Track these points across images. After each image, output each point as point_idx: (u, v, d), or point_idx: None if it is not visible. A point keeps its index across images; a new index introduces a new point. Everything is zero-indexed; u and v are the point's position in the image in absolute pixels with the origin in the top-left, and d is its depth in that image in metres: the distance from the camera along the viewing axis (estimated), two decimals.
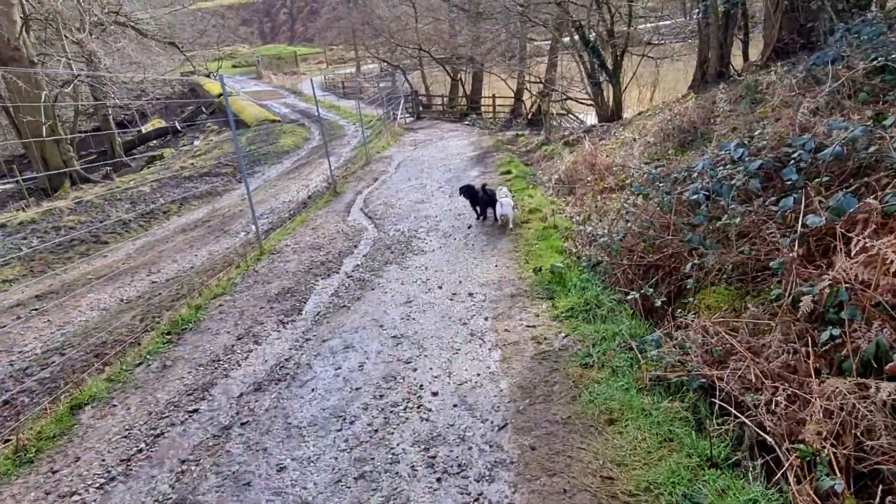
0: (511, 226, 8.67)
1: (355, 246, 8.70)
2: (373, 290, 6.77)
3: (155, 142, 34.60)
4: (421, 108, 30.47)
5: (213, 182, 17.36)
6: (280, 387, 4.73)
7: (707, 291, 4.85)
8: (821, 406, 3.08)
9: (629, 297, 5.21)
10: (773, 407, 3.25)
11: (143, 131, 34.77)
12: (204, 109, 36.92)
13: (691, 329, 4.16)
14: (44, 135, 21.48)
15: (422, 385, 4.56)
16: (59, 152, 22.96)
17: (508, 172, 12.66)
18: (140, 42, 27.66)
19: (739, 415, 3.30)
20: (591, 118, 23.00)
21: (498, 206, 8.79)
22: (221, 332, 5.99)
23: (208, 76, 40.16)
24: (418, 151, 18.00)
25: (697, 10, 16.15)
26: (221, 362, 5.27)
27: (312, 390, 4.62)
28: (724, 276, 4.70)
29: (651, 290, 5.06)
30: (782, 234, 4.25)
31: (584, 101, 22.61)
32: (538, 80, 25.61)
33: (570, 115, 22.38)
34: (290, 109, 33.63)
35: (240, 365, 5.21)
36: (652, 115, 14.69)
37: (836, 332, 3.44)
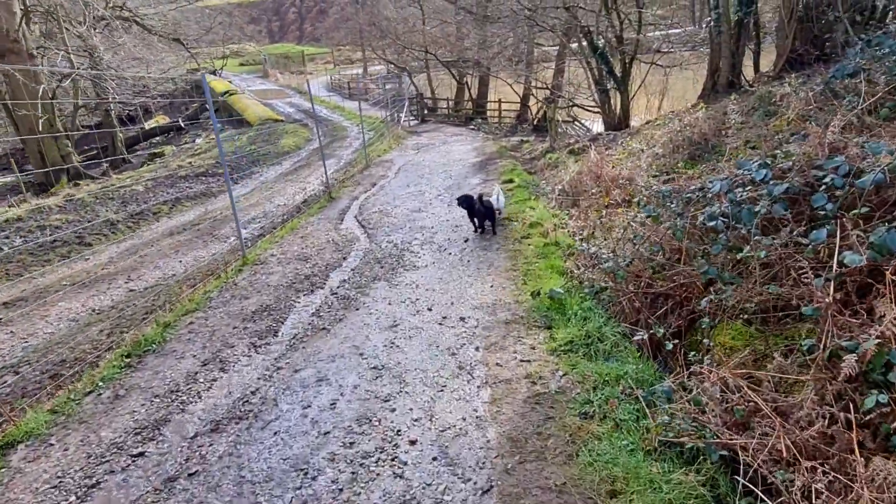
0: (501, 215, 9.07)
1: (344, 258, 8.15)
2: (357, 310, 6.22)
3: (158, 138, 34.24)
4: (426, 111, 29.93)
5: (208, 182, 16.85)
6: (240, 427, 4.17)
7: (722, 326, 4.29)
8: (869, 500, 2.51)
9: (636, 338, 4.61)
10: (808, 493, 2.68)
11: (147, 128, 34.42)
12: (208, 107, 36.45)
13: (707, 379, 3.59)
14: (41, 129, 21.05)
15: (399, 430, 4.00)
16: (57, 147, 22.53)
17: (511, 181, 12.09)
18: (142, 38, 27.23)
19: (768, 501, 2.73)
20: (597, 126, 22.43)
21: (492, 198, 9.08)
22: (187, 355, 5.44)
23: (213, 74, 39.74)
24: (420, 156, 17.46)
25: (709, 19, 15.57)
26: (180, 393, 4.72)
27: (275, 434, 4.06)
28: (745, 313, 4.13)
29: (661, 329, 4.46)
30: (815, 273, 3.68)
31: (590, 109, 22.04)
32: (545, 86, 25.05)
33: (576, 123, 21.81)
34: (294, 109, 33.14)
35: (200, 397, 4.65)
36: (661, 125, 14.12)
37: (884, 398, 2.87)
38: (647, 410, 3.61)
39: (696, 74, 22.10)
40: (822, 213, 3.96)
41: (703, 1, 29.84)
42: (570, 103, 21.34)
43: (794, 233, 4.07)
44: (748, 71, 16.19)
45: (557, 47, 25.31)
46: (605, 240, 7.79)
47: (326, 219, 10.63)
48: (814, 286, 3.53)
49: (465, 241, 8.36)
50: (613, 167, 11.45)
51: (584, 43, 20.23)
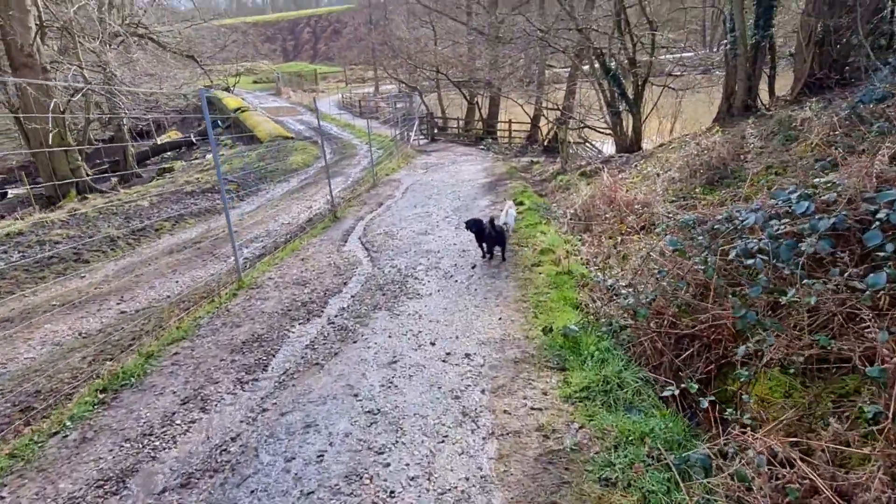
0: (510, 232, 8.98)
1: (345, 283, 7.68)
2: (354, 343, 5.73)
3: (170, 153, 34.22)
4: (436, 131, 29.67)
5: (214, 199, 16.53)
6: (213, 482, 3.67)
7: (759, 375, 3.77)
8: None
9: (665, 393, 4.07)
10: None
11: (159, 143, 34.42)
12: (220, 123, 36.51)
13: (751, 447, 3.06)
14: (51, 143, 20.93)
15: (393, 492, 3.49)
16: (67, 161, 22.40)
17: (521, 204, 11.63)
18: (155, 54, 27.26)
19: None
20: (608, 147, 22.01)
21: (503, 214, 9.05)
22: (167, 391, 4.96)
23: (226, 90, 39.83)
24: (429, 175, 17.07)
25: (725, 42, 15.19)
26: (154, 437, 4.23)
27: (252, 492, 3.55)
28: (791, 366, 3.61)
29: (693, 384, 3.92)
30: (876, 325, 3.16)
31: (601, 130, 21.64)
32: (555, 107, 24.72)
33: (587, 144, 21.38)
34: (304, 126, 33.01)
35: (175, 442, 4.16)
36: (677, 148, 13.65)
37: None
38: (681, 483, 3.07)
39: (709, 97, 21.70)
40: (882, 254, 3.46)
41: (715, 24, 29.58)
42: (582, 124, 20.94)
43: (847, 275, 3.56)
44: (763, 94, 15.75)
45: (569, 69, 25.03)
46: (620, 270, 7.29)
47: (329, 240, 10.19)
48: (877, 341, 3.01)
49: (473, 268, 7.88)
50: (627, 191, 10.98)
51: (597, 65, 19.91)
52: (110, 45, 25.27)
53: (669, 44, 22.40)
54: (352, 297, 7.11)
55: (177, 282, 9.55)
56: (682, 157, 11.52)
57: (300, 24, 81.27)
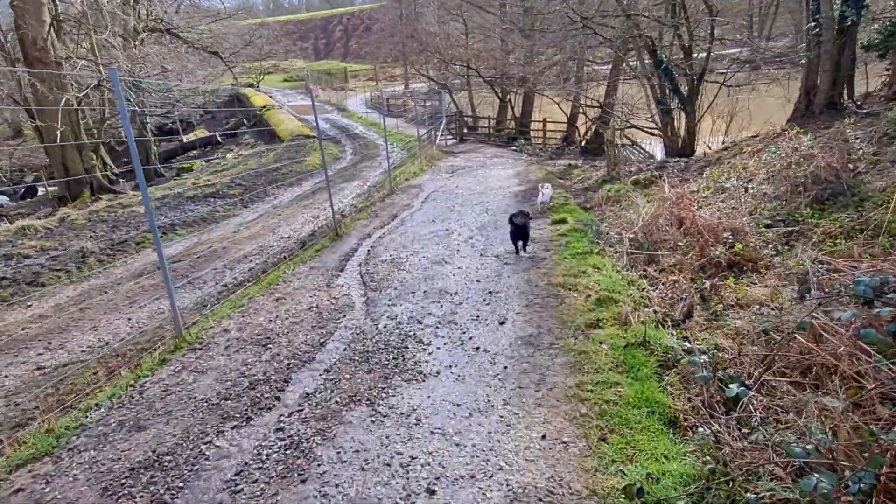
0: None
1: (323, 343, 5.33)
2: (303, 482, 3.37)
3: (196, 151, 32.64)
4: (465, 130, 27.15)
5: (215, 205, 14.45)
6: None
7: None
8: None
9: None
10: None
11: (185, 140, 32.89)
12: (245, 121, 34.78)
13: None
14: (64, 140, 19.32)
15: None
16: (80, 159, 20.79)
17: (562, 221, 9.12)
18: (173, 49, 25.48)
19: None
20: (657, 150, 19.22)
21: (539, 195, 9.10)
22: None
23: (252, 87, 38.10)
24: (453, 181, 14.64)
25: (812, 24, 12.31)
26: None
27: None
28: None
29: None
30: None
31: (649, 130, 18.85)
32: (597, 105, 21.99)
33: (634, 146, 18.63)
34: (329, 125, 30.92)
35: None
36: (748, 152, 10.94)
37: None
38: None
39: (762, 95, 18.72)
40: None
41: (764, 16, 26.21)
42: (628, 124, 18.18)
43: None
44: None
45: (610, 64, 22.24)
46: (723, 332, 4.77)
47: (321, 268, 7.87)
48: None
49: (502, 324, 5.44)
50: (699, 207, 8.38)
51: (646, 57, 17.14)
52: (130, 41, 23.61)
53: (725, 35, 19.32)
54: (325, 371, 4.76)
55: (129, 318, 7.39)
56: (771, 165, 8.84)
57: (332, 23, 79.27)
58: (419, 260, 7.77)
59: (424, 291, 6.49)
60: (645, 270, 7.02)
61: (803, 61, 13.75)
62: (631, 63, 19.38)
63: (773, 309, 5.00)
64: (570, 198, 11.44)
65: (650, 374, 4.18)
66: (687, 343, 4.79)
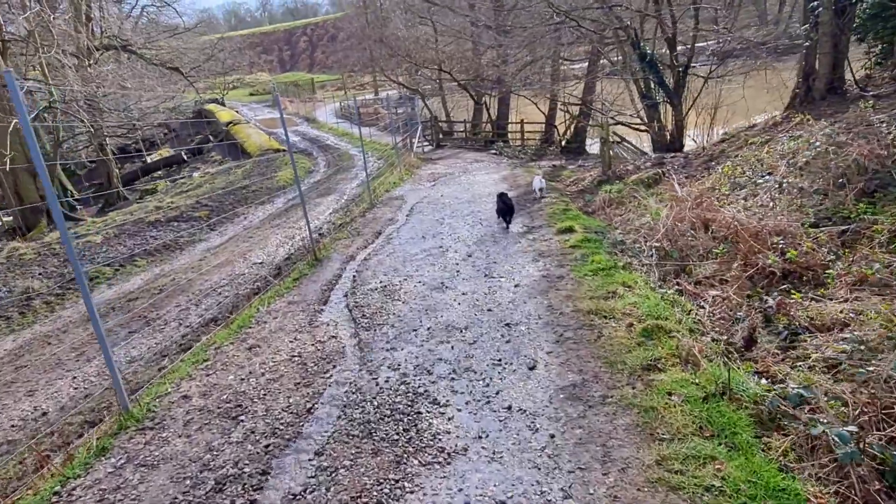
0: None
1: (310, 411, 4.14)
2: None
3: (161, 172, 30.88)
4: (441, 136, 26.05)
5: (179, 230, 13.06)
6: None
7: None
8: None
9: None
10: None
11: (148, 161, 31.12)
12: (211, 138, 33.14)
13: None
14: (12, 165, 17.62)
15: None
16: (35, 186, 19.12)
17: (570, 230, 8.07)
18: (131, 67, 23.88)
19: None
20: (644, 146, 18.38)
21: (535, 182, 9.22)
22: None
23: (217, 102, 36.42)
24: (437, 190, 13.52)
25: (814, 3, 11.48)
26: None
27: None
28: None
29: None
30: None
31: (635, 126, 18.03)
32: (577, 103, 21.12)
33: (625, 143, 17.77)
34: (299, 137, 29.52)
35: None
36: (761, 144, 10.03)
37: None
38: None
39: (755, 82, 17.99)
40: None
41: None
42: (613, 120, 17.30)
43: None
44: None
45: (587, 63, 21.38)
46: (815, 368, 3.75)
47: (301, 302, 6.66)
48: None
49: (532, 369, 4.33)
50: (720, 204, 7.45)
51: (627, 49, 16.29)
52: (87, 61, 21.93)
53: (706, 24, 18.57)
54: (316, 456, 3.58)
55: (74, 378, 6.10)
56: (791, 156, 7.93)
57: (296, 34, 77.35)
58: (415, 286, 6.62)
59: (428, 328, 5.34)
60: (678, 284, 6.00)
61: (806, 44, 12.96)
62: (612, 59, 18.55)
63: (865, 332, 4.00)
64: (569, 202, 10.42)
65: (751, 441, 3.12)
66: (769, 382, 3.76)
